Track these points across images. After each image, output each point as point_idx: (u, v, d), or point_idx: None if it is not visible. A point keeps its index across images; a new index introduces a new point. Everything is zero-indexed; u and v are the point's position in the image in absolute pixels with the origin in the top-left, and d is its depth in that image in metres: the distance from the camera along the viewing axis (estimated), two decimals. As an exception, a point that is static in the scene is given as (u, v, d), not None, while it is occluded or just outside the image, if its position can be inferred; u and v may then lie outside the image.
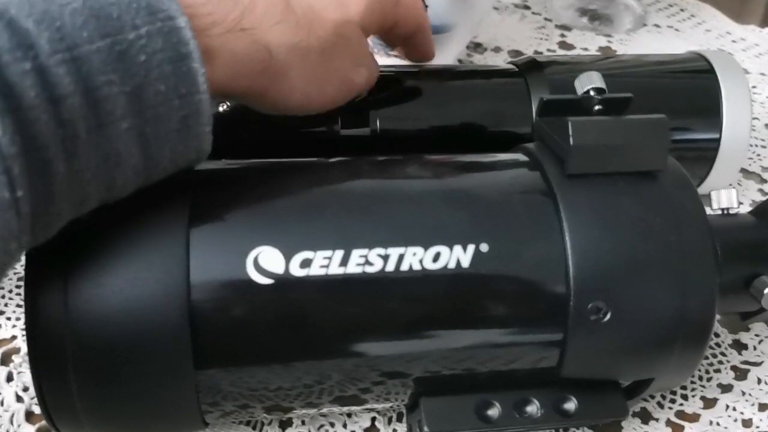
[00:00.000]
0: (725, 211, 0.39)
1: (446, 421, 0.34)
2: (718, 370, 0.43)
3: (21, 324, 0.42)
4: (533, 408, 0.35)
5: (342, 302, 0.32)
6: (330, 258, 0.31)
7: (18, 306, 0.44)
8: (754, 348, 0.44)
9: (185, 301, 0.30)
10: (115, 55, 0.27)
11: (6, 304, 0.44)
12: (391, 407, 0.39)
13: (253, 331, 0.32)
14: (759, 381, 0.42)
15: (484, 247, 0.32)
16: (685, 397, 0.41)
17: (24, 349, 0.41)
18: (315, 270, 0.31)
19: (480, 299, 0.33)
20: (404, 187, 0.35)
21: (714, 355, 0.43)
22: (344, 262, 0.32)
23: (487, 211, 0.34)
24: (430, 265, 0.32)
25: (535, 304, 0.33)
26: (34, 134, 0.25)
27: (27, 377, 0.40)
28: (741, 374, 0.43)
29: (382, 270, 0.32)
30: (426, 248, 0.32)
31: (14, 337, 0.42)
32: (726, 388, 0.42)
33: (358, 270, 0.32)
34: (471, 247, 0.32)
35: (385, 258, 0.32)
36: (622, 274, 0.33)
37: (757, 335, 0.45)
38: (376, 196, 0.34)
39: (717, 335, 0.44)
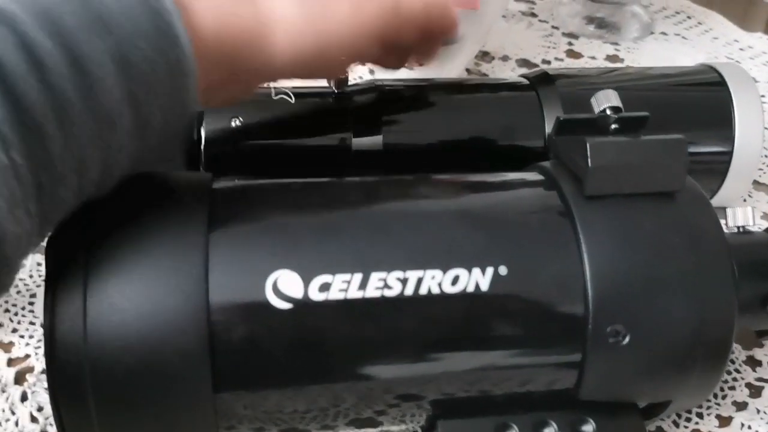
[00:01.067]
0: (741, 229, 0.39)
1: (464, 443, 0.34)
2: (732, 388, 0.43)
3: (35, 342, 0.42)
4: (551, 430, 0.34)
5: (361, 326, 0.32)
6: (349, 282, 0.31)
7: (31, 323, 0.43)
8: (768, 364, 0.44)
9: (205, 325, 0.30)
10: (92, 17, 0.27)
11: (19, 322, 0.44)
12: (407, 428, 0.39)
13: (271, 356, 0.31)
14: (774, 398, 0.42)
15: (502, 270, 0.32)
16: (700, 416, 0.41)
17: (38, 367, 0.41)
18: (334, 294, 0.31)
19: (498, 322, 0.33)
20: (422, 208, 0.35)
21: (728, 372, 0.43)
22: (363, 285, 0.31)
23: (506, 233, 0.33)
24: (448, 289, 0.32)
25: (554, 327, 0.33)
26: (23, 100, 0.25)
27: (42, 397, 0.39)
28: (755, 391, 0.43)
29: (401, 293, 0.32)
30: (445, 271, 0.32)
31: (28, 356, 0.42)
32: (741, 406, 0.42)
33: (377, 294, 0.31)
34: (490, 270, 0.32)
35: (404, 281, 0.32)
36: (641, 297, 0.33)
37: (771, 351, 0.45)
38: (394, 218, 0.34)
39: (731, 352, 0.44)
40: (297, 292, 0.31)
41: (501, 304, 0.33)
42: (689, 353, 0.34)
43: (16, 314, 0.44)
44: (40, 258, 0.47)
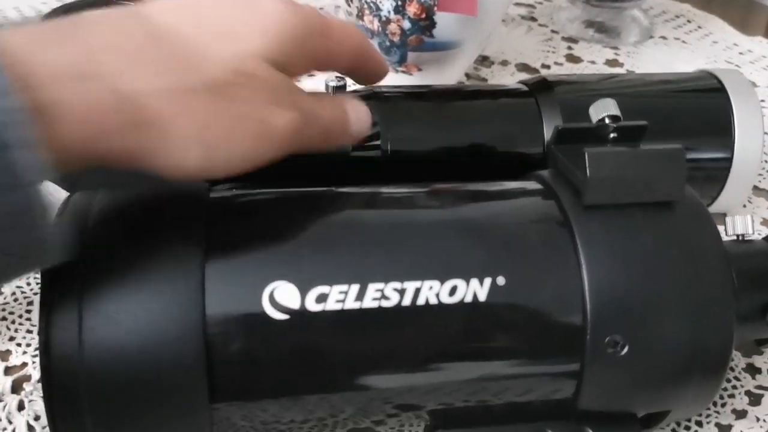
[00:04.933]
0: (740, 237, 0.39)
1: (462, 453, 0.34)
2: (732, 395, 0.42)
3: (32, 351, 0.42)
4: (550, 440, 0.34)
5: (358, 337, 0.32)
6: (346, 292, 0.31)
7: (28, 331, 0.43)
8: (768, 372, 0.44)
9: (201, 337, 0.30)
10: None
11: (16, 330, 0.43)
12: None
13: (268, 366, 0.31)
14: (773, 406, 0.42)
15: (500, 281, 0.32)
16: (699, 424, 0.41)
17: (35, 376, 0.41)
18: (331, 305, 0.31)
19: (496, 333, 0.33)
20: (420, 219, 0.35)
21: (728, 380, 0.43)
22: (360, 296, 0.31)
23: (504, 243, 0.33)
24: (446, 299, 0.32)
25: (552, 338, 0.33)
26: None
27: (39, 405, 0.39)
28: (755, 399, 0.42)
29: (399, 304, 0.31)
30: (442, 282, 0.32)
31: (25, 364, 0.42)
32: (740, 414, 0.41)
33: (374, 304, 0.31)
34: (488, 281, 0.32)
35: (402, 292, 0.32)
36: (639, 307, 0.33)
37: (771, 358, 0.45)
38: (391, 228, 0.34)
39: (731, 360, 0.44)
40: (294, 303, 0.31)
41: (499, 315, 0.32)
42: (688, 364, 0.33)
43: (13, 322, 0.44)
44: (37, 265, 0.47)
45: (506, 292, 0.32)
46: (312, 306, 0.31)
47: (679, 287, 0.33)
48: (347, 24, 0.37)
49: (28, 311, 0.44)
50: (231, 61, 0.30)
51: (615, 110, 0.37)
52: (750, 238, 0.39)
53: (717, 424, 0.41)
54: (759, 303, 0.37)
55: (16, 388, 0.40)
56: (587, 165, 0.33)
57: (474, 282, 0.32)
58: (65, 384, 0.30)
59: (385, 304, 0.31)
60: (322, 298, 0.31)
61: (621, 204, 0.34)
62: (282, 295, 0.31)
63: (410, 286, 0.32)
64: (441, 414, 0.34)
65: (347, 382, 0.32)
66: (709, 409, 0.42)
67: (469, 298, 0.32)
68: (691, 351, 0.33)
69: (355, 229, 0.33)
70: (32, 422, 0.39)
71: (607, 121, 0.36)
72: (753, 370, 0.44)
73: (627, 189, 0.34)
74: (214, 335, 0.31)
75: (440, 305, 0.32)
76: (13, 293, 0.45)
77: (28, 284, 0.46)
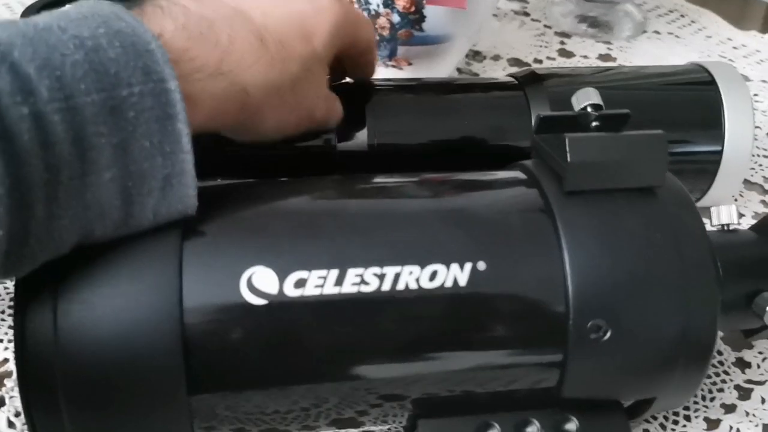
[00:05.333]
0: (725, 227, 0.39)
1: (444, 443, 0.34)
2: (721, 390, 0.42)
3: (13, 347, 0.42)
4: (534, 429, 0.34)
5: (338, 323, 0.31)
6: (325, 278, 0.31)
7: (11, 327, 0.43)
8: (758, 366, 0.43)
9: (178, 324, 0.30)
10: (107, 109, 0.28)
11: (-2, 325, 0.43)
12: (389, 429, 0.39)
13: (247, 354, 0.31)
14: (763, 401, 0.41)
15: (481, 266, 0.32)
16: (687, 418, 0.40)
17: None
18: (310, 290, 0.31)
19: (478, 318, 0.32)
20: (400, 205, 0.34)
21: (717, 374, 0.43)
22: (339, 281, 0.31)
23: (485, 229, 0.33)
24: (426, 284, 0.31)
25: (534, 323, 0.33)
26: (22, 176, 0.26)
27: (19, 402, 0.39)
28: (744, 394, 0.42)
29: (378, 289, 0.31)
30: (422, 267, 0.31)
31: (6, 360, 0.41)
32: (729, 409, 0.41)
33: (354, 290, 0.31)
34: (468, 266, 0.32)
35: (381, 277, 0.31)
36: (622, 293, 0.32)
37: (760, 353, 0.44)
38: (371, 214, 0.33)
39: (720, 353, 0.44)
40: (272, 288, 0.31)
41: (480, 300, 0.32)
42: (672, 350, 0.33)
43: (-5, 317, 0.44)
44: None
45: (487, 277, 0.32)
46: (290, 291, 0.31)
47: (662, 272, 0.33)
48: (367, 18, 0.46)
49: (11, 307, 0.44)
50: (306, 60, 0.37)
51: (597, 99, 0.36)
52: (735, 228, 0.39)
53: (706, 419, 0.41)
54: (745, 291, 0.37)
55: (-4, 383, 0.40)
56: (568, 150, 0.33)
57: (454, 267, 0.32)
58: (40, 372, 0.29)
59: (364, 289, 0.31)
60: (300, 284, 0.31)
61: (602, 189, 0.34)
62: (260, 281, 0.31)
63: (390, 270, 0.31)
64: (423, 403, 0.34)
65: (327, 369, 0.32)
66: (697, 403, 0.41)
67: (449, 284, 0.32)
68: (674, 336, 0.33)
69: (335, 214, 0.33)
70: (12, 418, 0.38)
71: (589, 109, 0.36)
72: (743, 365, 0.43)
73: (608, 174, 0.33)
74: (192, 323, 0.30)
75: (420, 290, 0.31)
76: (-3, 288, 0.45)
77: (12, 280, 0.46)
